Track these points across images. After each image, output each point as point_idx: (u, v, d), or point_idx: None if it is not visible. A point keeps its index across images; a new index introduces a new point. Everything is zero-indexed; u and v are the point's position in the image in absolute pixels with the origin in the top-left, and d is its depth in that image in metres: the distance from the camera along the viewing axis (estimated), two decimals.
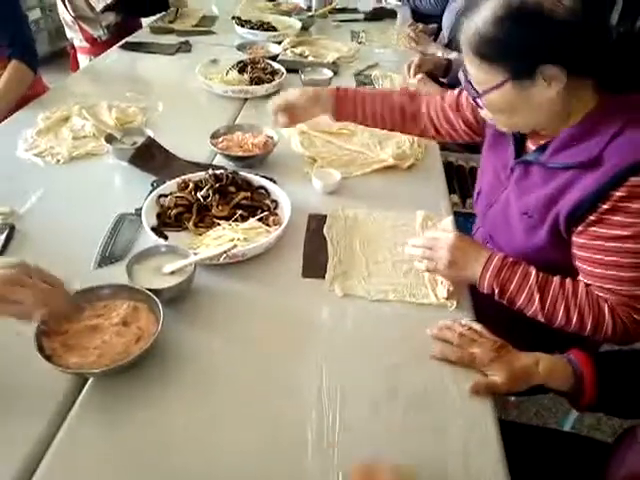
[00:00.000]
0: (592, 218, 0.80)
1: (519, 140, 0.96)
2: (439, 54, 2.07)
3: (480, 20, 0.79)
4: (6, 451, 0.66)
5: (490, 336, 0.82)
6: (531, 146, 0.94)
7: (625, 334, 0.83)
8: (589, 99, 0.82)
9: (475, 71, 0.84)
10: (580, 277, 0.86)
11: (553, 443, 0.95)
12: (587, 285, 0.85)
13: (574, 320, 0.84)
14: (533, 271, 0.86)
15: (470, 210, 1.49)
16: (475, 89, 0.85)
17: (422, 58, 1.84)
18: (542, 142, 0.90)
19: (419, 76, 1.72)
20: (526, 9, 0.76)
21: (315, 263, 0.99)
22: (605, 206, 0.78)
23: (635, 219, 0.77)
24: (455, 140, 1.21)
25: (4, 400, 0.72)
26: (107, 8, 2.14)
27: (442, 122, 1.17)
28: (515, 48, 0.78)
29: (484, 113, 0.90)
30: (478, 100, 0.86)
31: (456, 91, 1.16)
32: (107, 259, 0.97)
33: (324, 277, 0.96)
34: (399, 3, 2.86)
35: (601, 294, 0.84)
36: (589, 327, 0.83)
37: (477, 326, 0.85)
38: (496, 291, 0.87)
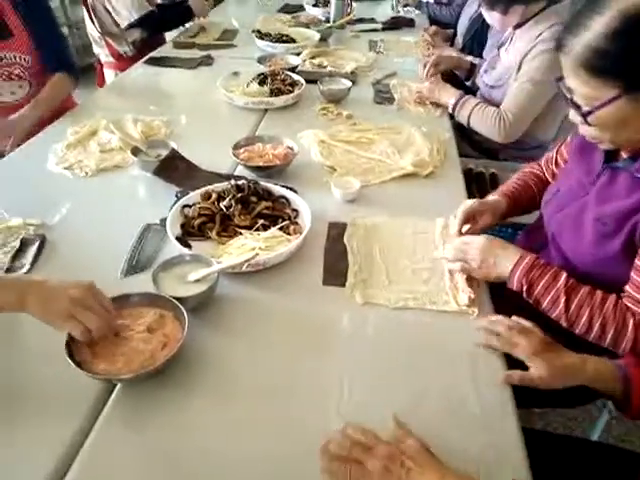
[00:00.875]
0: None
1: None
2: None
3: (592, 35, 0.77)
4: (39, 453, 0.68)
5: (540, 333, 0.83)
6: (623, 154, 0.91)
7: None
8: None
9: (583, 88, 0.80)
10: (626, 287, 0.85)
11: (582, 453, 0.93)
12: (622, 297, 0.84)
13: (595, 328, 0.84)
14: (564, 274, 0.87)
15: None
16: (582, 107, 0.82)
17: (440, 56, 1.83)
18: (636, 150, 0.87)
19: (432, 79, 1.72)
20: None
21: (335, 271, 1.00)
22: None
23: None
24: None
25: (38, 404, 0.75)
26: (131, 26, 2.21)
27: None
28: (634, 60, 0.75)
29: (587, 130, 0.86)
30: (587, 118, 0.82)
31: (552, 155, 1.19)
32: (134, 268, 0.99)
33: (344, 285, 0.96)
34: (418, 12, 2.88)
35: (634, 307, 0.83)
36: (609, 338, 0.83)
37: (527, 323, 0.86)
38: (524, 288, 0.89)
